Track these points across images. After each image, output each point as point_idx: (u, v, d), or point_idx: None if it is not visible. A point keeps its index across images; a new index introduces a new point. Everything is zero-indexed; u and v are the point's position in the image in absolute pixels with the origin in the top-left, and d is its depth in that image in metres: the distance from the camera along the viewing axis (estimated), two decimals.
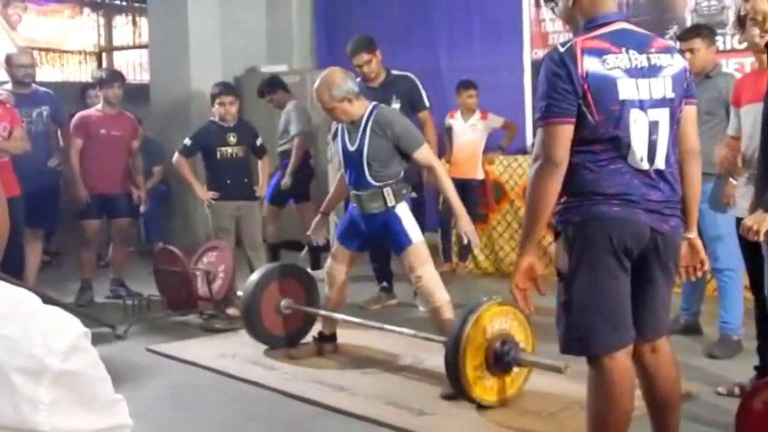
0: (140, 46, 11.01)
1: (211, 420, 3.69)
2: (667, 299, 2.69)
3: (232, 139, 5.69)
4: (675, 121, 2.54)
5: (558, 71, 2.41)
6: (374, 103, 4.19)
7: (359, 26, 7.31)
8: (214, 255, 5.52)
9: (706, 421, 3.39)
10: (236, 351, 4.62)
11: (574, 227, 2.50)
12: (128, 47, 11.76)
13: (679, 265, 2.67)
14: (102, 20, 11.64)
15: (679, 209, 2.59)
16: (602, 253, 2.47)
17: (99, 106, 6.11)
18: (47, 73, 10.56)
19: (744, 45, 5.50)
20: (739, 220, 3.36)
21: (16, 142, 5.27)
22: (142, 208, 6.38)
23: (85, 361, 0.88)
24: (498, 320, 3.58)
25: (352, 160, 4.14)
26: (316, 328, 4.66)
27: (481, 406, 3.55)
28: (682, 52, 4.00)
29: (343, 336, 4.59)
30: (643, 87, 2.46)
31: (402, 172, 4.13)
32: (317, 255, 6.59)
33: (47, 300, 0.93)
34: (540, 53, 7.15)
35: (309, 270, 5.37)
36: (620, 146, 2.45)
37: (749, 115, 3.66)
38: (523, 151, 7.06)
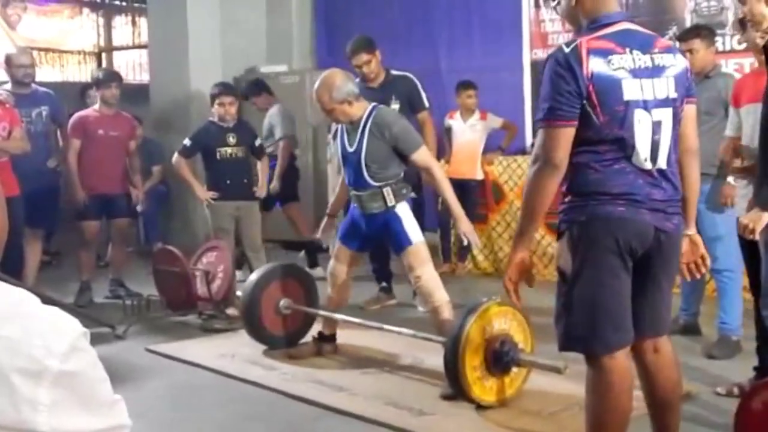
0: (140, 46, 11.01)
1: (211, 420, 3.69)
2: (669, 297, 2.70)
3: (231, 139, 5.69)
4: (677, 121, 2.55)
5: (562, 72, 2.41)
6: (373, 104, 4.19)
7: (359, 26, 7.31)
8: (213, 255, 5.52)
9: (705, 422, 3.40)
10: (236, 351, 4.62)
11: (579, 227, 2.50)
12: (128, 47, 11.76)
13: (680, 263, 2.68)
14: (101, 20, 11.65)
15: (680, 207, 2.60)
16: (607, 253, 2.47)
17: (96, 107, 6.10)
18: (47, 73, 10.56)
19: (743, 45, 5.52)
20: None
21: (16, 142, 5.27)
22: (139, 208, 6.37)
23: (84, 362, 0.88)
24: (497, 320, 3.58)
25: (351, 161, 4.14)
26: (316, 328, 4.66)
27: (480, 407, 3.55)
28: (682, 52, 4.00)
29: (343, 336, 4.59)
30: (647, 87, 2.46)
31: (402, 173, 4.13)
32: (314, 254, 6.61)
33: (47, 300, 0.93)
34: (540, 53, 7.15)
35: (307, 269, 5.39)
36: (625, 146, 2.46)
37: (749, 116, 3.66)
38: (523, 152, 7.06)
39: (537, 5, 7.19)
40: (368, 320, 4.59)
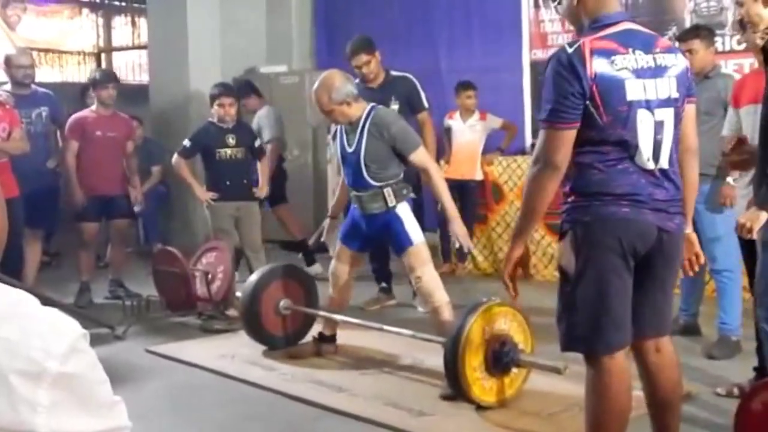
0: (139, 47, 11.01)
1: (211, 421, 3.69)
2: (671, 297, 2.71)
3: (231, 140, 5.69)
4: (678, 121, 2.56)
5: (565, 73, 2.41)
6: (372, 104, 4.19)
7: (359, 27, 7.31)
8: (213, 256, 5.52)
9: (705, 422, 3.40)
10: (235, 352, 4.62)
11: (582, 227, 2.51)
12: (127, 48, 11.76)
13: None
14: (101, 21, 11.64)
15: (682, 207, 2.61)
16: (610, 253, 2.48)
17: (93, 108, 6.08)
18: (46, 73, 10.55)
19: (743, 46, 5.52)
20: None
21: (16, 143, 5.27)
22: (137, 208, 6.37)
23: (83, 363, 0.88)
24: (497, 321, 3.58)
25: (350, 162, 4.15)
26: (316, 328, 4.66)
27: (480, 407, 3.55)
28: (682, 52, 4.00)
29: (343, 337, 4.59)
30: (650, 87, 2.47)
31: (402, 173, 4.13)
32: (310, 252, 6.61)
33: (46, 301, 0.93)
34: (539, 54, 7.16)
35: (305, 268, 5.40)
36: (628, 147, 2.46)
37: (749, 116, 3.66)
38: (522, 152, 7.06)
39: (537, 5, 7.19)
40: (368, 321, 4.59)
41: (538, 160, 2.50)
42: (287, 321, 4.63)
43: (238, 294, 4.86)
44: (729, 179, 4.17)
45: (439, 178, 4.14)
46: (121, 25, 11.80)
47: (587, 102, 2.41)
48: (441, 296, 4.00)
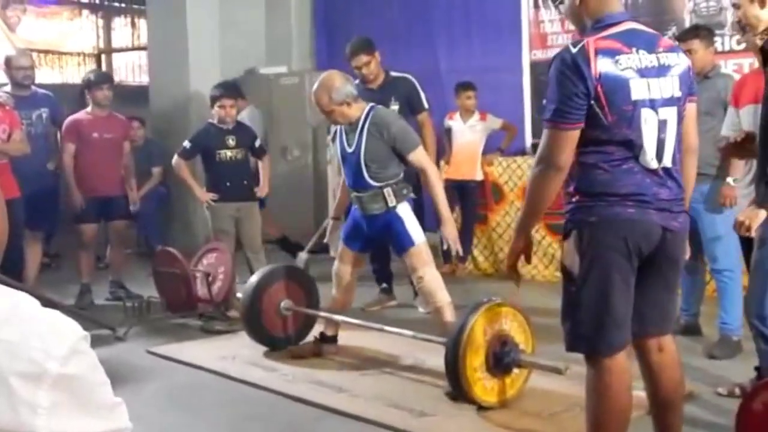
0: (139, 48, 11.01)
1: (211, 422, 3.69)
2: (674, 295, 2.71)
3: (231, 141, 5.69)
4: (681, 120, 2.56)
5: (569, 73, 2.41)
6: (371, 104, 4.20)
7: (358, 27, 7.31)
8: (213, 257, 5.52)
9: (706, 422, 3.39)
10: (236, 353, 4.62)
11: (588, 228, 2.51)
12: (127, 49, 11.76)
13: None
14: (101, 22, 11.64)
15: (684, 205, 2.62)
16: (615, 254, 2.49)
17: (89, 109, 6.05)
18: (46, 75, 10.55)
19: (743, 46, 5.52)
20: None
21: (16, 145, 5.27)
22: (132, 208, 6.36)
23: (84, 365, 0.88)
24: (498, 321, 3.58)
25: (350, 162, 4.15)
26: (317, 329, 4.66)
27: (481, 407, 3.55)
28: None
29: (344, 337, 4.59)
30: (654, 86, 2.48)
31: (402, 173, 4.13)
32: (291, 247, 6.62)
33: (47, 302, 0.93)
34: (539, 54, 7.16)
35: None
36: (632, 146, 2.47)
37: (749, 116, 3.67)
38: (523, 153, 7.06)
39: (536, 6, 7.19)
40: (369, 321, 4.59)
41: (541, 160, 2.50)
42: (288, 322, 4.63)
43: (239, 295, 4.86)
44: (729, 179, 4.17)
45: (435, 179, 4.14)
46: (120, 26, 11.79)
47: (592, 102, 2.42)
48: (443, 296, 4.00)
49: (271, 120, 8.17)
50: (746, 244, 3.40)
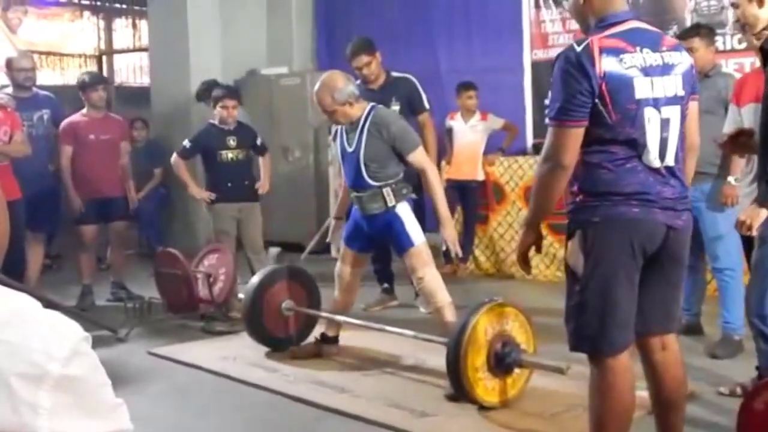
0: (140, 49, 11.01)
1: (212, 422, 3.69)
2: (678, 293, 2.71)
3: (231, 142, 5.69)
4: (684, 118, 2.57)
5: (573, 72, 2.41)
6: (372, 104, 4.20)
7: (359, 28, 7.31)
8: (214, 257, 5.52)
9: (707, 422, 3.39)
10: (237, 353, 4.62)
11: (592, 227, 2.51)
12: (128, 50, 11.76)
13: None
14: (102, 23, 11.64)
15: (689, 203, 2.63)
16: (620, 254, 2.49)
17: (84, 111, 6.05)
18: (47, 76, 10.55)
19: (744, 45, 5.52)
20: None
21: (17, 146, 5.28)
22: (131, 206, 6.36)
23: (85, 366, 0.88)
24: (499, 322, 3.58)
25: (350, 161, 4.15)
26: (318, 330, 4.66)
27: (482, 408, 3.55)
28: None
29: (345, 338, 4.59)
30: (657, 85, 2.48)
31: (401, 173, 4.13)
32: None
33: (48, 304, 0.93)
34: (540, 54, 7.16)
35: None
36: (636, 145, 2.47)
37: (750, 114, 3.66)
38: (524, 153, 7.07)
39: (537, 6, 7.19)
40: (370, 322, 4.59)
41: (547, 159, 2.50)
42: (289, 322, 4.63)
43: (241, 296, 4.86)
44: (730, 178, 4.17)
45: (435, 180, 4.13)
46: (121, 27, 11.79)
47: (596, 100, 2.42)
48: (443, 297, 4.00)
49: (272, 121, 8.17)
50: (747, 243, 3.40)
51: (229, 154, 5.68)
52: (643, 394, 2.76)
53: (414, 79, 5.57)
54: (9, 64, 6.04)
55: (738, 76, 4.77)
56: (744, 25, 3.29)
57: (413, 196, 4.26)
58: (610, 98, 2.42)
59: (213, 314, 5.37)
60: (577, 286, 2.55)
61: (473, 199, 6.78)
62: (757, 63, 3.96)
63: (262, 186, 5.88)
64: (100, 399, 0.89)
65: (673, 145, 2.53)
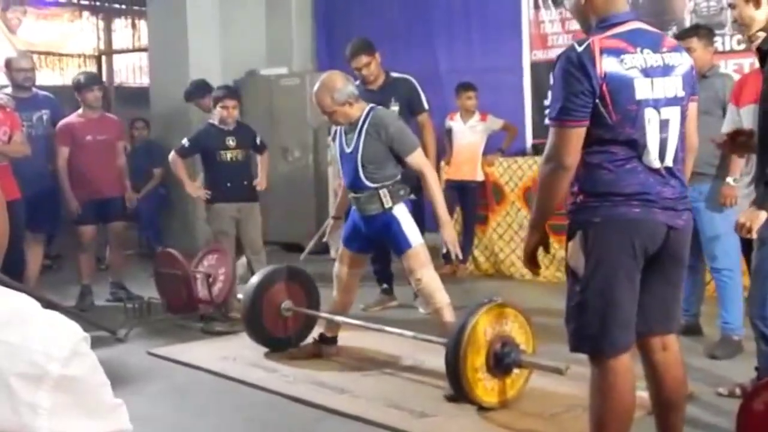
0: (140, 50, 11.01)
1: (212, 423, 3.69)
2: (679, 293, 2.71)
3: (231, 142, 5.69)
4: (684, 119, 2.57)
5: (574, 71, 2.42)
6: (371, 105, 4.20)
7: (359, 28, 7.32)
8: (214, 258, 5.53)
9: (706, 423, 3.39)
10: (237, 354, 4.62)
11: (592, 228, 2.51)
12: (128, 50, 11.75)
13: None
14: (101, 23, 11.63)
15: (689, 203, 2.63)
16: (621, 255, 2.49)
17: (80, 111, 6.04)
18: (47, 76, 10.55)
19: (743, 46, 5.52)
20: None
21: (17, 146, 5.27)
22: (129, 206, 6.36)
23: (85, 367, 0.88)
24: (498, 322, 3.58)
25: (348, 162, 4.15)
26: (317, 331, 4.66)
27: (482, 408, 3.55)
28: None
29: (344, 338, 4.59)
30: (657, 86, 2.49)
31: (399, 175, 4.13)
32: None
33: (48, 304, 0.93)
34: (539, 55, 7.16)
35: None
36: (636, 146, 2.48)
37: (750, 115, 3.67)
38: (523, 153, 7.07)
39: (537, 6, 7.19)
40: (369, 322, 4.59)
41: (549, 159, 2.51)
42: (289, 323, 4.63)
43: (240, 296, 4.86)
44: (729, 179, 4.18)
45: (434, 182, 4.13)
46: (121, 27, 11.78)
47: (597, 101, 2.42)
48: (441, 297, 4.00)
49: (271, 121, 8.17)
50: (746, 244, 3.40)
51: (229, 154, 5.68)
52: (643, 394, 2.76)
53: (413, 80, 5.57)
54: (8, 64, 6.04)
55: (736, 77, 4.78)
56: (741, 26, 3.29)
57: (412, 196, 4.26)
58: (611, 99, 2.42)
59: (212, 314, 5.38)
60: (578, 286, 2.55)
61: (473, 200, 6.79)
62: (757, 64, 3.96)
63: (260, 183, 5.87)
64: (100, 399, 0.90)
65: (673, 146, 2.53)
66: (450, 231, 4.05)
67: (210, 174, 5.80)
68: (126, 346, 4.93)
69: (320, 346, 4.53)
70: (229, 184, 5.65)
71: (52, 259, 7.67)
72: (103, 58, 11.63)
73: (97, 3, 11.53)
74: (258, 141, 5.92)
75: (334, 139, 4.47)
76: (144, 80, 10.50)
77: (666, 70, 2.51)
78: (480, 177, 6.76)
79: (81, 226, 6.00)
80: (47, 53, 11.03)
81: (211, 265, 5.50)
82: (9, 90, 5.96)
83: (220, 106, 5.68)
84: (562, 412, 3.51)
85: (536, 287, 5.95)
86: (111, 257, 6.44)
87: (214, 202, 5.64)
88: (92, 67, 11.20)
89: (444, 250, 4.14)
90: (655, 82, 2.48)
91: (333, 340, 4.55)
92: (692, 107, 2.66)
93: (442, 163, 6.84)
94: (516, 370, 3.61)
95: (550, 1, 7.11)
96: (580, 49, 2.43)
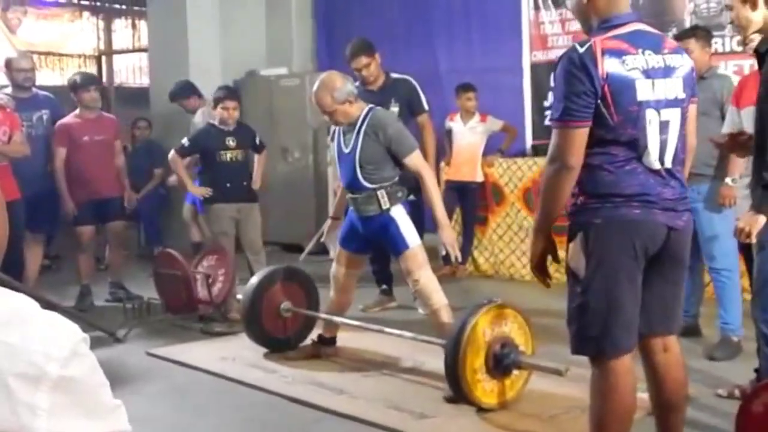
0: (140, 50, 11.00)
1: (211, 423, 3.69)
2: (680, 294, 2.71)
3: (231, 143, 5.69)
4: (684, 121, 2.58)
5: (576, 72, 2.42)
6: (370, 105, 4.20)
7: (359, 28, 7.31)
8: (214, 258, 5.53)
9: (705, 424, 3.39)
10: (236, 354, 4.62)
11: (594, 229, 2.51)
12: (128, 51, 11.75)
13: None
14: (101, 24, 11.63)
15: (689, 203, 2.63)
16: (622, 256, 2.49)
17: (77, 112, 6.02)
18: (47, 76, 10.54)
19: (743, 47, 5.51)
20: None
21: (16, 147, 5.28)
22: (127, 206, 6.35)
23: (84, 367, 0.88)
24: (497, 323, 3.58)
25: (346, 162, 4.15)
26: (317, 331, 4.66)
27: (481, 409, 3.55)
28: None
29: (343, 339, 4.59)
30: (658, 87, 2.49)
31: (397, 176, 4.12)
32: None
33: (47, 304, 0.93)
34: (539, 56, 7.16)
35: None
36: (637, 147, 2.48)
37: (750, 117, 3.66)
38: (523, 154, 7.07)
39: (537, 7, 7.19)
40: (369, 323, 4.59)
41: (552, 161, 2.50)
42: (288, 323, 4.63)
43: (239, 296, 4.86)
44: (727, 180, 4.18)
45: (432, 183, 4.12)
46: (121, 28, 11.78)
47: (598, 101, 2.42)
48: (439, 299, 4.00)
49: (271, 121, 8.17)
50: (744, 244, 3.39)
51: (228, 155, 5.68)
52: (643, 395, 2.76)
53: (413, 81, 5.57)
54: (8, 64, 6.04)
55: (736, 78, 4.78)
56: (737, 27, 3.29)
57: (412, 197, 4.25)
58: (612, 100, 2.42)
59: (212, 315, 5.38)
60: (579, 287, 2.55)
61: (472, 201, 6.79)
62: (756, 65, 3.96)
63: (255, 181, 5.86)
64: (99, 400, 0.89)
65: (673, 147, 2.53)
66: (449, 233, 4.04)
67: (210, 174, 5.79)
68: (125, 347, 4.93)
69: (319, 347, 4.53)
70: (228, 185, 5.65)
71: (52, 260, 7.67)
72: (103, 58, 11.63)
73: (97, 3, 11.53)
74: (257, 141, 5.93)
75: (332, 140, 4.47)
76: (144, 80, 10.49)
77: (667, 72, 2.51)
78: (480, 178, 6.76)
79: (79, 227, 5.99)
80: (47, 53, 11.03)
81: (211, 265, 5.50)
82: (9, 90, 5.96)
83: (220, 107, 5.68)
84: (562, 414, 3.51)
85: (536, 288, 5.89)
86: (110, 257, 6.44)
87: (214, 203, 5.64)
88: (92, 68, 11.20)
89: (443, 252, 4.13)
90: (656, 83, 2.48)
91: (332, 341, 4.55)
92: (692, 109, 2.66)
93: (442, 164, 6.84)
94: (515, 372, 3.61)
95: (550, 2, 7.11)
96: (581, 49, 2.44)
